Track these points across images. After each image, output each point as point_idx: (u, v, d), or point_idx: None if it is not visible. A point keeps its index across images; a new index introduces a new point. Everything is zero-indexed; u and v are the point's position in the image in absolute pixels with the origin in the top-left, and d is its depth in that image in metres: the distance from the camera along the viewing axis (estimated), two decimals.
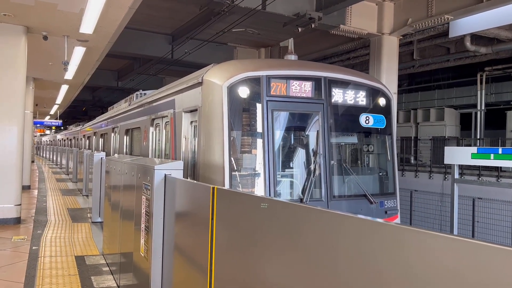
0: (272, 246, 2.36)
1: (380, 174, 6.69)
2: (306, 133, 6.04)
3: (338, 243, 1.89)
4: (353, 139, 6.50)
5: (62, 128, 41.55)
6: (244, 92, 5.51)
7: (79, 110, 41.52)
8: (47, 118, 37.53)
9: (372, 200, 6.03)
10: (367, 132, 6.54)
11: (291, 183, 5.88)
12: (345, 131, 6.34)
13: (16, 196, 9.13)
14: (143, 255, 4.25)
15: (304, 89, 5.79)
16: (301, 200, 5.56)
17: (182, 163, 4.16)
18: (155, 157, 8.31)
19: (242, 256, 2.68)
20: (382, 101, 6.48)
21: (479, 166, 15.47)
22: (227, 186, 5.26)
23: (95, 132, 17.77)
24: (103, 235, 7.16)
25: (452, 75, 22.88)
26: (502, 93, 21.14)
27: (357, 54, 17.15)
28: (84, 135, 22.19)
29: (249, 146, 5.65)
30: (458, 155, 8.46)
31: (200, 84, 5.93)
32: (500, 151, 7.69)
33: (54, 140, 46.37)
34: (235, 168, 5.46)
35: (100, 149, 15.91)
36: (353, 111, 6.20)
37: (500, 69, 19.78)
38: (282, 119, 5.86)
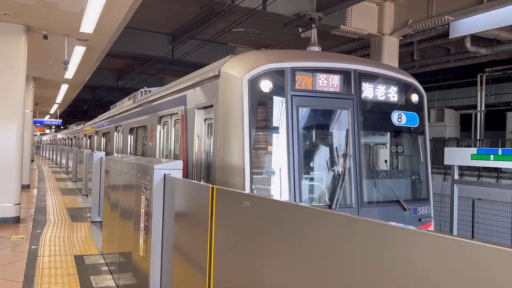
0: (272, 246, 2.35)
1: (413, 177, 6.11)
2: (334, 132, 5.47)
3: (340, 245, 1.88)
4: (384, 139, 5.95)
5: (62, 127, 41.54)
6: (266, 86, 4.98)
7: (79, 110, 41.49)
8: (47, 117, 37.53)
9: (406, 207, 5.52)
10: (399, 131, 5.98)
11: (318, 188, 5.35)
12: (376, 130, 5.80)
13: (16, 195, 9.12)
14: (142, 254, 4.24)
15: (332, 83, 5.24)
16: (329, 207, 5.03)
17: (182, 163, 4.14)
18: (163, 158, 7.79)
19: (241, 257, 2.68)
20: (414, 97, 5.95)
21: (479, 167, 15.48)
22: (247, 191, 4.75)
23: (96, 131, 17.60)
24: (102, 234, 7.16)
25: (452, 76, 22.90)
26: (502, 94, 21.18)
27: (357, 55, 17.14)
28: (85, 135, 22.06)
29: (272, 146, 5.14)
30: (458, 156, 8.48)
31: (217, 77, 5.34)
32: (500, 152, 7.70)
33: (54, 139, 46.36)
34: (257, 171, 4.95)
35: (102, 149, 15.75)
36: (384, 108, 5.65)
37: (500, 70, 19.81)
38: (308, 116, 5.33)
